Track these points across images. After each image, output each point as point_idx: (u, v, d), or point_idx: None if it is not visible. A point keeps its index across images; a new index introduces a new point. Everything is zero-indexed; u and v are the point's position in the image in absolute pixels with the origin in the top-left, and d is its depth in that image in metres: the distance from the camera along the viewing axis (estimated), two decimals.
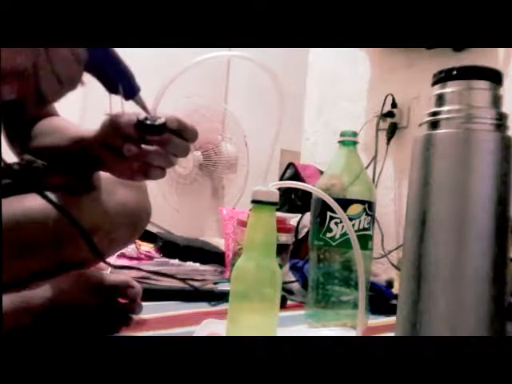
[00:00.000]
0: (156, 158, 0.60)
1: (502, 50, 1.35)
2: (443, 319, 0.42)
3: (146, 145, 0.60)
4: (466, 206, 0.41)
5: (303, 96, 1.89)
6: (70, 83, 0.50)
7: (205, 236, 1.74)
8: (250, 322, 0.52)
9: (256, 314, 0.52)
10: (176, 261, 1.23)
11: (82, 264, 0.70)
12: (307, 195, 0.76)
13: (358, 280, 0.59)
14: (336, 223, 0.79)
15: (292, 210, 1.41)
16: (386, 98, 1.56)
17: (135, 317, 0.69)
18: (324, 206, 0.80)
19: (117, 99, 0.57)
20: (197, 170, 1.85)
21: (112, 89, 0.56)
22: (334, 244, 0.80)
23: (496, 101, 0.43)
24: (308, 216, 1.02)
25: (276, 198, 0.51)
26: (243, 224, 1.11)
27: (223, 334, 0.53)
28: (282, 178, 1.65)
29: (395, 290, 1.08)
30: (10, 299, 0.58)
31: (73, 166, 0.68)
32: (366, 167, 1.42)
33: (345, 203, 0.78)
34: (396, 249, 1.44)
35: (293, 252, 1.15)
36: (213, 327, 0.62)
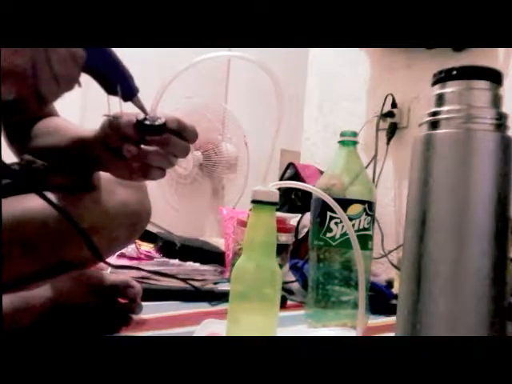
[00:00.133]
0: (156, 159, 0.60)
1: (501, 50, 1.35)
2: (443, 319, 0.42)
3: (146, 145, 0.60)
4: (466, 206, 0.41)
5: (303, 96, 1.89)
6: (67, 84, 0.50)
7: (205, 236, 1.75)
8: (250, 322, 0.52)
9: (256, 314, 0.52)
10: (176, 261, 1.23)
11: (82, 264, 0.70)
12: (307, 195, 0.76)
13: (358, 280, 0.59)
14: (336, 223, 0.79)
15: (292, 209, 1.41)
16: (386, 98, 1.56)
17: (135, 317, 0.69)
18: (324, 206, 0.80)
19: (116, 100, 0.57)
20: (197, 170, 1.85)
21: (110, 90, 0.56)
22: (334, 244, 0.80)
23: (496, 101, 0.43)
24: (308, 216, 1.02)
25: (276, 198, 0.51)
26: (243, 224, 1.11)
27: (223, 334, 0.53)
28: (281, 178, 1.65)
29: (395, 289, 1.08)
30: (10, 299, 0.58)
31: (73, 166, 0.68)
32: (366, 167, 1.42)
33: (345, 203, 0.78)
34: (396, 249, 1.44)
35: (293, 252, 1.15)
36: (213, 327, 0.62)
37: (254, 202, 0.51)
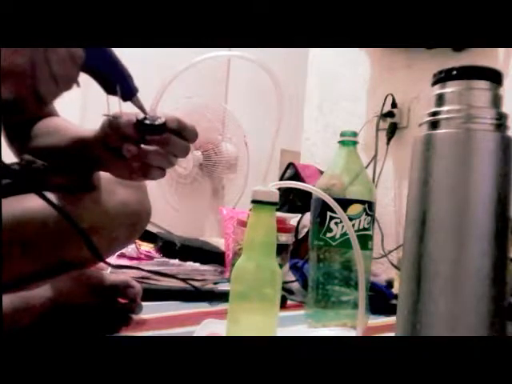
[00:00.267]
0: (156, 158, 0.60)
1: (501, 50, 1.35)
2: (443, 319, 0.42)
3: (146, 145, 0.60)
4: (466, 206, 0.41)
5: (303, 96, 1.89)
6: (66, 84, 0.50)
7: (205, 236, 1.75)
8: (250, 322, 0.52)
9: (256, 314, 0.52)
10: (176, 261, 1.23)
11: (82, 264, 0.70)
12: (307, 195, 0.76)
13: (358, 280, 0.59)
14: (336, 223, 0.79)
15: (292, 210, 1.41)
16: (386, 98, 1.56)
17: (135, 317, 0.69)
18: (324, 206, 0.80)
19: (115, 100, 0.57)
20: (197, 170, 1.85)
21: (110, 90, 0.56)
22: (334, 244, 0.80)
23: (496, 101, 0.43)
24: (308, 216, 1.02)
25: (276, 198, 0.51)
26: (243, 224, 1.11)
27: (223, 334, 0.53)
28: (282, 178, 1.65)
29: (395, 289, 1.08)
30: (10, 299, 0.58)
31: (73, 166, 0.68)
32: (366, 167, 1.42)
33: (345, 203, 0.78)
34: (396, 249, 1.44)
35: (293, 252, 1.15)
36: (213, 327, 0.62)
37: (253, 202, 0.51)
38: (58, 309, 0.63)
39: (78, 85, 0.52)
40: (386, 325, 0.87)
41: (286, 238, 1.11)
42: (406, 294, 0.44)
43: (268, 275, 0.51)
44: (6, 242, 0.46)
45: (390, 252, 1.45)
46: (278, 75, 0.51)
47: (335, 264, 0.80)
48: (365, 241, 0.80)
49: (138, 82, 0.58)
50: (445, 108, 0.44)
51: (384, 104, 1.56)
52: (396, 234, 1.53)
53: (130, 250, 1.20)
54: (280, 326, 0.53)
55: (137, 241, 1.21)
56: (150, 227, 1.14)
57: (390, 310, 0.77)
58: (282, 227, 1.07)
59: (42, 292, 0.63)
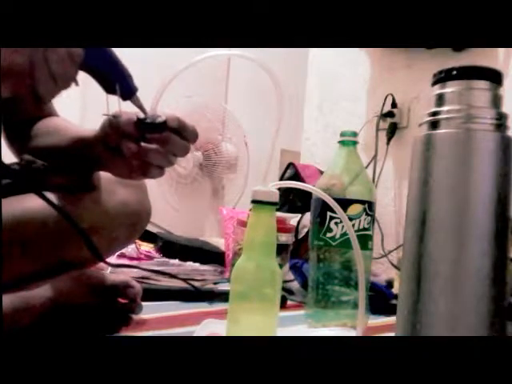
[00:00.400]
0: (155, 157, 0.60)
1: (501, 50, 1.35)
2: (443, 319, 0.42)
3: (146, 143, 0.59)
4: (466, 206, 0.41)
5: (303, 96, 1.89)
6: (64, 82, 0.50)
7: (205, 236, 1.75)
8: (250, 322, 0.52)
9: (256, 314, 0.52)
10: (176, 261, 1.23)
11: (82, 264, 0.70)
12: (307, 195, 0.76)
13: (358, 280, 0.59)
14: (336, 223, 0.79)
15: (292, 210, 1.41)
16: (386, 98, 1.56)
17: (135, 317, 0.69)
18: (324, 206, 0.80)
19: (115, 99, 0.57)
20: (197, 170, 1.85)
21: (109, 89, 0.56)
22: (334, 244, 0.80)
23: (496, 101, 0.43)
24: (308, 216, 1.02)
25: (276, 198, 0.51)
26: (243, 224, 1.11)
27: (223, 334, 0.53)
28: (282, 178, 1.65)
29: (395, 289, 1.08)
30: (9, 299, 0.58)
31: (73, 165, 0.68)
32: (366, 167, 1.42)
33: (345, 203, 0.78)
34: (396, 249, 1.44)
35: (293, 252, 1.15)
36: (213, 327, 0.62)
37: (253, 202, 0.51)
38: (58, 309, 0.63)
39: (77, 84, 0.52)
40: (386, 325, 0.87)
41: (286, 238, 1.11)
42: (406, 294, 0.44)
43: (268, 275, 0.51)
44: (5, 242, 0.46)
45: (390, 252, 1.45)
46: (278, 75, 0.51)
47: (335, 264, 0.80)
48: (365, 241, 0.80)
49: (137, 81, 0.58)
50: (445, 108, 0.44)
51: (384, 104, 1.56)
52: (396, 234, 1.53)
53: (129, 250, 1.21)
54: (280, 326, 0.53)
55: (137, 241, 1.21)
56: (150, 227, 1.14)
57: (390, 310, 0.77)
58: (281, 227, 1.07)
59: (42, 292, 0.63)
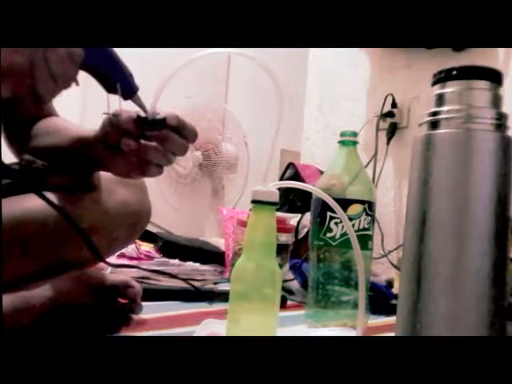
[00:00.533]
0: (154, 155, 0.60)
1: (501, 50, 1.35)
2: (443, 319, 0.42)
3: (145, 141, 0.59)
4: (466, 206, 0.41)
5: (303, 96, 1.89)
6: (64, 82, 0.50)
7: (205, 236, 1.75)
8: (250, 322, 0.52)
9: (256, 314, 0.52)
10: (176, 261, 1.23)
11: (82, 264, 0.70)
12: (307, 195, 0.76)
13: (358, 280, 0.59)
14: (336, 223, 0.79)
15: (292, 210, 1.41)
16: (386, 98, 1.56)
17: (135, 317, 0.69)
18: (324, 206, 0.80)
19: (116, 99, 0.57)
20: (197, 170, 1.85)
21: (110, 88, 0.56)
22: (334, 244, 0.80)
23: (496, 101, 0.43)
24: (308, 216, 1.02)
25: (276, 198, 0.51)
26: (243, 224, 1.11)
27: (223, 334, 0.53)
28: (282, 178, 1.65)
29: (395, 289, 1.08)
30: (9, 299, 0.58)
31: (73, 165, 0.68)
32: (366, 167, 1.41)
33: (345, 203, 0.78)
34: (396, 249, 1.44)
35: (293, 252, 1.15)
36: (213, 327, 0.62)
37: (253, 202, 0.51)
38: (58, 309, 0.63)
39: (77, 83, 0.52)
40: (386, 325, 0.87)
41: (286, 238, 1.11)
42: (406, 294, 0.44)
43: (268, 275, 0.51)
44: (5, 242, 0.46)
45: (390, 252, 1.45)
46: (278, 75, 0.51)
47: (335, 264, 0.80)
48: (365, 241, 0.80)
49: (138, 81, 0.58)
50: (445, 108, 0.44)
51: (384, 104, 1.56)
52: (396, 233, 1.53)
53: (129, 250, 1.21)
54: (280, 326, 0.53)
55: (137, 241, 1.21)
56: (150, 227, 1.14)
57: (390, 310, 0.77)
58: (281, 227, 1.07)
59: (42, 292, 0.63)
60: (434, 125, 0.44)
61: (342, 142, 0.83)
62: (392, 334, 0.47)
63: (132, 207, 0.75)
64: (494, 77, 0.44)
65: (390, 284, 1.14)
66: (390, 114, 1.56)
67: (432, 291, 0.42)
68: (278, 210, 0.53)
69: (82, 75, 0.53)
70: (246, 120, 1.86)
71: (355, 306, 0.75)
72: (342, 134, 0.84)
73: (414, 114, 1.53)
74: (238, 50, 0.53)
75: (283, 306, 0.91)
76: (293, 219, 1.25)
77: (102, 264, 0.74)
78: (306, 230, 1.23)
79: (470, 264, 0.41)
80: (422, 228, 0.43)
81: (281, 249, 1.01)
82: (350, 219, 0.78)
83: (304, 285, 1.02)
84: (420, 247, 0.43)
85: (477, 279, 0.41)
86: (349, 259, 0.79)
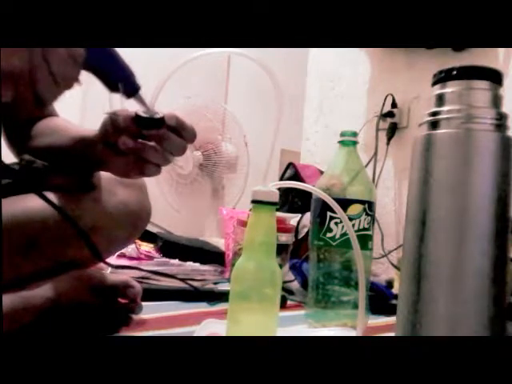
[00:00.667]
0: (152, 154, 0.60)
1: (501, 50, 1.35)
2: (443, 319, 0.42)
3: (144, 140, 0.59)
4: (466, 206, 0.41)
5: (303, 96, 1.89)
6: (66, 83, 0.50)
7: (205, 236, 1.75)
8: (250, 322, 0.52)
9: (256, 313, 0.52)
10: (176, 261, 1.23)
11: (82, 264, 0.70)
12: (307, 195, 0.76)
13: (358, 280, 0.59)
14: (336, 223, 0.79)
15: (292, 210, 1.41)
16: (386, 98, 1.56)
17: (135, 317, 0.69)
18: (324, 206, 0.80)
19: (118, 98, 0.57)
20: (197, 170, 1.85)
21: (112, 87, 0.56)
22: (334, 244, 0.79)
23: (496, 101, 0.43)
24: (308, 216, 1.02)
25: (276, 198, 0.51)
26: (243, 224, 1.11)
27: (223, 334, 0.53)
28: (282, 178, 1.64)
29: (395, 290, 1.08)
30: (9, 299, 0.58)
31: (73, 165, 0.68)
32: (366, 167, 1.41)
33: (345, 203, 0.78)
34: (396, 249, 1.44)
35: (293, 252, 1.15)
36: (213, 327, 0.62)
37: (253, 201, 0.51)
38: (58, 309, 0.63)
39: (80, 83, 0.52)
40: (386, 325, 0.87)
41: (286, 238, 1.11)
42: (406, 294, 0.44)
43: (268, 275, 0.51)
44: (5, 242, 0.46)
45: (390, 252, 1.45)
46: (278, 75, 0.51)
47: (335, 264, 0.80)
48: (365, 241, 0.80)
49: (138, 80, 0.58)
50: (445, 108, 0.44)
51: (384, 104, 1.56)
52: (396, 234, 1.53)
53: (130, 250, 1.20)
54: (280, 325, 0.53)
55: (137, 241, 1.21)
56: (150, 227, 1.14)
57: (390, 310, 0.77)
58: (281, 227, 1.07)
59: (42, 292, 0.63)
60: (434, 125, 0.44)
61: (341, 142, 0.83)
62: (392, 334, 0.47)
63: (132, 207, 0.75)
64: (494, 77, 0.44)
65: (389, 284, 1.14)
66: (390, 114, 1.56)
67: (432, 291, 0.42)
68: (278, 210, 0.53)
69: (82, 75, 0.53)
70: (246, 120, 1.86)
71: (355, 306, 0.75)
72: (342, 134, 0.84)
73: (414, 114, 1.53)
74: (238, 50, 0.53)
75: (283, 305, 0.91)
76: (293, 219, 1.25)
77: (102, 264, 0.74)
78: (306, 229, 1.23)
79: (469, 264, 0.41)
80: (422, 228, 0.43)
81: (281, 249, 1.01)
82: (350, 219, 0.78)
83: (304, 285, 1.02)
84: (420, 247, 0.43)
85: (477, 279, 0.41)
86: (349, 259, 0.79)
